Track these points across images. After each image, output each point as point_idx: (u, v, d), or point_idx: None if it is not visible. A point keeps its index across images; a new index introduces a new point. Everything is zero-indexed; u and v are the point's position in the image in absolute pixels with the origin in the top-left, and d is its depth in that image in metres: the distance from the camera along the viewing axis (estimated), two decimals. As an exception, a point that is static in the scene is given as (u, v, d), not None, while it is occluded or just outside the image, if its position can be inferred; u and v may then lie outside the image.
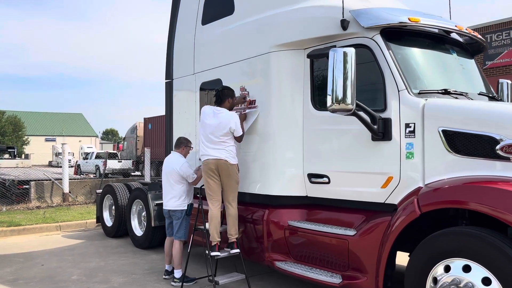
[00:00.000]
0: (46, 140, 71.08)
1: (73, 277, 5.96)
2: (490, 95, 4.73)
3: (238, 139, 5.09)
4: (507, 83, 5.50)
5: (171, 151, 6.06)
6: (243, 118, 5.29)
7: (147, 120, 27.05)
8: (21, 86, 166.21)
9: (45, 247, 7.85)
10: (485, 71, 14.84)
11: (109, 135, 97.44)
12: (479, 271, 3.21)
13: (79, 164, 30.55)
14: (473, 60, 5.12)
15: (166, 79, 7.00)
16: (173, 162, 5.68)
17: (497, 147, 3.46)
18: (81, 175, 26.61)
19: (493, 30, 15.33)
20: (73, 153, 54.93)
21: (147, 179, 14.39)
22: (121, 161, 27.49)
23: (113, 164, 26.61)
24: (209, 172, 5.00)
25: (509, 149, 3.40)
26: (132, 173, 26.25)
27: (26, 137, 66.96)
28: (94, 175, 26.70)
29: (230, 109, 5.20)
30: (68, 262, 6.75)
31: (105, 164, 26.57)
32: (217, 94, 5.20)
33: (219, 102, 5.16)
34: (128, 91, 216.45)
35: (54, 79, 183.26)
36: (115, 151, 32.38)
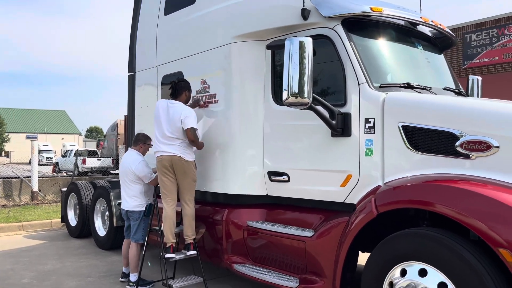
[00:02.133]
0: (28, 137, 69.70)
1: (24, 280, 5.63)
2: (457, 90, 4.55)
3: (188, 134, 4.69)
4: (477, 79, 5.34)
5: (129, 148, 5.78)
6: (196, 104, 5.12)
7: (127, 117, 26.62)
8: (2, 81, 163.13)
9: (3, 248, 7.47)
10: (464, 70, 14.84)
11: (94, 132, 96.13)
12: (435, 276, 3.00)
13: (57, 162, 29.91)
14: (441, 55, 4.94)
15: (128, 72, 6.71)
16: (129, 161, 5.38)
17: (457, 143, 3.26)
18: (59, 173, 26.03)
19: (472, 30, 15.34)
20: (55, 151, 53.97)
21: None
22: (100, 159, 26.93)
23: (92, 162, 26.13)
24: (163, 170, 4.73)
25: (469, 145, 3.21)
26: (112, 171, 25.69)
27: (6, 134, 65.65)
28: (73, 173, 26.13)
29: (186, 102, 4.93)
30: (23, 264, 6.41)
31: (84, 161, 26.12)
32: (173, 86, 4.93)
33: (175, 95, 4.90)
34: (115, 87, 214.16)
35: (37, 76, 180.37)
36: (95, 149, 31.76)
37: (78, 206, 8.25)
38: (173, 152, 4.68)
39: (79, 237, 8.15)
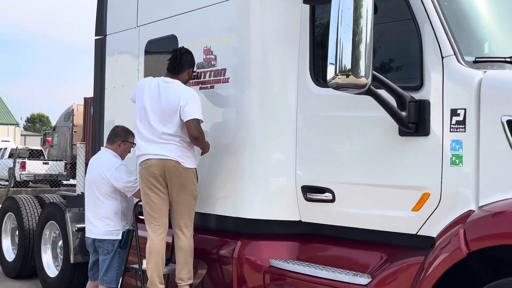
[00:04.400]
0: None
1: None
2: None
3: (190, 128, 4.74)
4: None
5: (101, 148, 5.93)
6: None
7: (88, 102, 26.72)
8: None
9: None
10: None
11: (37, 123, 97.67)
12: None
13: (-16, 167, 30.46)
14: None
15: (96, 35, 6.90)
16: (102, 165, 5.51)
17: None
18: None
19: None
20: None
21: (80, 189, 14.25)
22: (47, 163, 27.37)
23: (35, 167, 26.50)
24: (151, 180, 4.82)
25: None
26: (65, 181, 26.14)
27: None
28: (7, 182, 26.58)
29: (186, 83, 5.07)
30: None
31: (23, 166, 26.52)
32: (175, 58, 5.02)
33: (176, 71, 5.00)
34: (70, 57, 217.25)
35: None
36: (40, 148, 32.31)
37: (17, 232, 8.44)
38: (167, 155, 4.77)
39: (19, 278, 8.35)
